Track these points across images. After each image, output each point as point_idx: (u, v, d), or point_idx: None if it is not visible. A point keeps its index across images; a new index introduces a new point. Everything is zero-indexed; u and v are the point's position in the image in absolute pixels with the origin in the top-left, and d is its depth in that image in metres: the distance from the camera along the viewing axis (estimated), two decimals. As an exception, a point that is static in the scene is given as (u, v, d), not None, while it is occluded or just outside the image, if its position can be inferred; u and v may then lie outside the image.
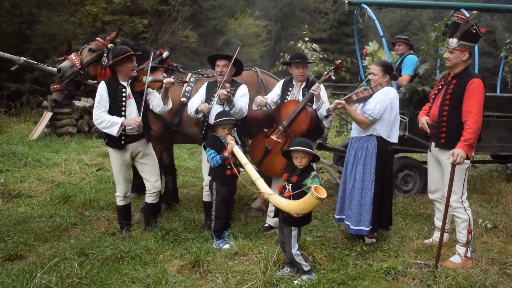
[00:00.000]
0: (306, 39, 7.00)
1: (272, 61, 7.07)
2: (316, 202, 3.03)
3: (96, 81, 4.68)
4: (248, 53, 25.96)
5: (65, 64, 4.62)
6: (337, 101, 3.99)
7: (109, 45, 4.57)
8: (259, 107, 4.35)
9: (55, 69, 4.85)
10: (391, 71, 4.13)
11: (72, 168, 7.00)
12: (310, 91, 4.18)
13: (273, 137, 4.36)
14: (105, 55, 4.58)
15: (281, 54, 7.07)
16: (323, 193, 2.99)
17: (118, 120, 4.05)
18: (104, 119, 4.04)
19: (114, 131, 4.03)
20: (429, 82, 5.45)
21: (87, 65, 4.63)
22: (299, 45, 6.78)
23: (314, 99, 4.23)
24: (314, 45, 6.70)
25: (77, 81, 4.70)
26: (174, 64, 5.05)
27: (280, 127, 4.34)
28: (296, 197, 3.25)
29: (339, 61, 4.46)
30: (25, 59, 5.18)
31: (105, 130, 4.07)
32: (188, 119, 4.64)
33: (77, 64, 4.61)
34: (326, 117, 4.47)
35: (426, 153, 6.02)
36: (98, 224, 4.71)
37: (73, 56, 4.66)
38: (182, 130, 4.78)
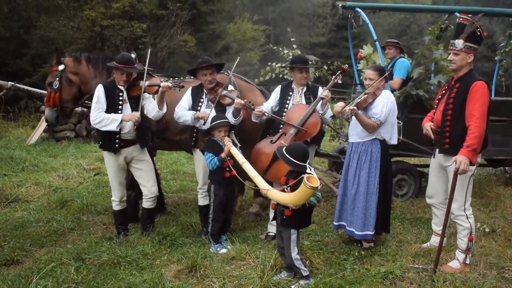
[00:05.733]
0: (294, 46, 6.96)
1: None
2: (310, 191, 3.10)
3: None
4: (246, 58, 26.03)
5: (47, 113, 4.74)
6: (351, 107, 3.85)
7: (59, 68, 4.60)
8: (258, 119, 4.33)
9: (44, 92, 4.84)
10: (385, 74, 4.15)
11: (70, 173, 6.99)
12: (320, 96, 4.17)
13: (283, 142, 4.25)
14: (57, 78, 4.61)
15: (269, 63, 6.97)
16: (316, 182, 3.06)
17: (118, 116, 4.07)
18: (103, 118, 4.05)
19: (113, 126, 4.05)
20: (423, 86, 5.43)
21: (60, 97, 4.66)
22: (286, 51, 6.75)
23: (321, 104, 4.20)
24: (299, 52, 6.67)
25: (63, 113, 4.80)
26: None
27: (291, 132, 4.25)
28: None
29: (347, 65, 4.46)
30: (12, 83, 5.22)
31: (104, 128, 4.06)
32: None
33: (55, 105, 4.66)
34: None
35: (420, 157, 6.06)
36: (95, 228, 4.70)
37: (47, 100, 4.72)
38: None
